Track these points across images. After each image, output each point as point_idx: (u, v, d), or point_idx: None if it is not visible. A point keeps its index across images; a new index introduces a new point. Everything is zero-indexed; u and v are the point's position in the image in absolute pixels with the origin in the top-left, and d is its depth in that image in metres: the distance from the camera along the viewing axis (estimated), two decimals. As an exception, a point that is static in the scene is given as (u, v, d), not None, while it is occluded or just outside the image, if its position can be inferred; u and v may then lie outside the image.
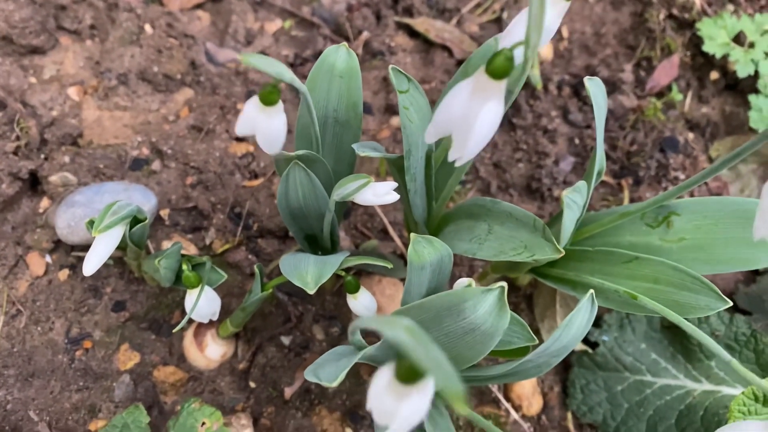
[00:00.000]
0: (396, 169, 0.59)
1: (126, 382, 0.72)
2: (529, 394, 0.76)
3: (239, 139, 0.87)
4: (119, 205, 0.57)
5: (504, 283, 0.46)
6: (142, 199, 0.76)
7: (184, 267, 0.61)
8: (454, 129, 0.40)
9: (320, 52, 0.92)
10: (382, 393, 0.33)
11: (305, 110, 0.54)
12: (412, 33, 0.95)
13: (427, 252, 0.51)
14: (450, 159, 0.41)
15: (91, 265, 0.54)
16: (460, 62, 0.92)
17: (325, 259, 0.55)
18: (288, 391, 0.71)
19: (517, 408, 0.75)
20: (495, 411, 0.75)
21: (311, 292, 0.51)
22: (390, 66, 0.53)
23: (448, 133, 0.40)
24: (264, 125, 0.47)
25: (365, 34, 0.94)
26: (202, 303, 0.62)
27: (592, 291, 0.49)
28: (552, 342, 0.51)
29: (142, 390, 0.72)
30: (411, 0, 0.96)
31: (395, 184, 0.51)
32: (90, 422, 0.70)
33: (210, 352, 0.73)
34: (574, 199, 0.51)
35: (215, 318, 0.66)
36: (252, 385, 0.73)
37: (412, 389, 0.32)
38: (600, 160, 0.58)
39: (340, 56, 0.57)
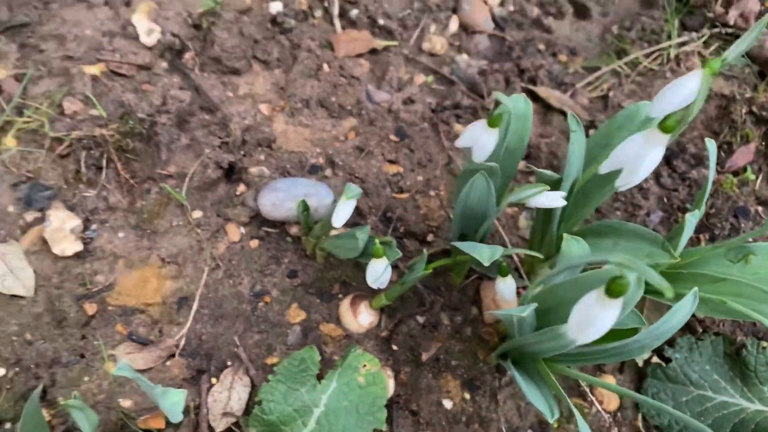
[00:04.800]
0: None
1: (297, 331, 0.91)
2: (609, 392, 0.93)
3: (391, 161, 1.09)
4: (349, 187, 0.78)
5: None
6: (325, 194, 0.97)
7: (376, 240, 0.81)
8: (626, 164, 0.61)
9: (458, 104, 1.15)
10: (591, 305, 0.52)
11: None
12: (535, 97, 1.17)
13: (573, 248, 0.71)
14: (617, 185, 0.61)
15: (340, 219, 0.75)
16: (572, 125, 1.14)
17: (492, 246, 0.75)
18: (424, 356, 0.90)
19: (599, 402, 0.93)
20: (581, 402, 0.93)
21: (486, 264, 0.71)
22: (569, 113, 0.74)
23: (620, 167, 0.61)
24: (483, 140, 0.68)
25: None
26: (382, 270, 0.82)
27: (696, 288, 0.68)
28: (659, 325, 0.69)
29: (310, 338, 0.91)
30: (535, 72, 1.19)
31: (565, 193, 0.71)
32: (267, 357, 0.89)
33: (361, 318, 0.93)
34: (691, 219, 0.71)
35: (383, 286, 0.86)
36: (394, 347, 0.92)
37: (615, 302, 0.51)
38: (704, 198, 0.78)
39: (519, 103, 0.78)
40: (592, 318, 0.52)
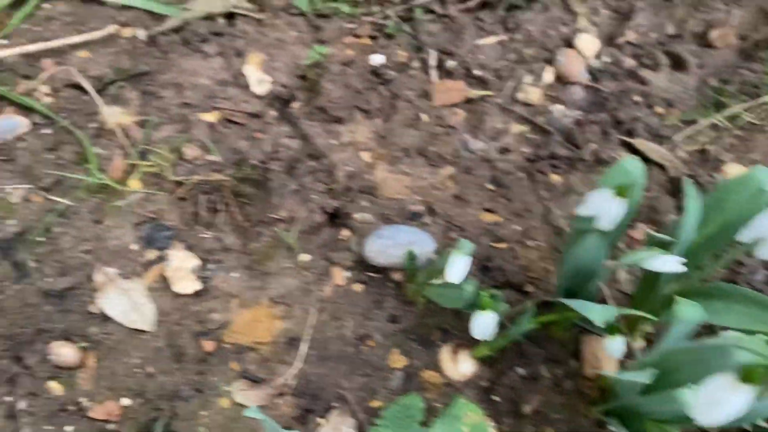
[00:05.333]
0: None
1: (399, 376, 0.94)
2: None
3: (488, 210, 1.11)
4: (462, 242, 0.81)
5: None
6: (427, 242, 1.00)
7: (484, 294, 0.84)
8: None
9: (554, 154, 1.17)
10: (720, 388, 0.52)
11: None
12: (632, 150, 1.18)
13: (689, 312, 0.71)
14: (757, 254, 0.62)
15: (457, 275, 0.78)
16: (672, 179, 1.14)
17: (605, 306, 0.76)
18: (525, 408, 0.91)
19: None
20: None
21: (600, 324, 0.72)
22: (685, 180, 0.75)
23: (762, 236, 0.62)
24: (610, 209, 0.70)
25: (593, 145, 1.18)
26: (489, 322, 0.84)
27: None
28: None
29: (411, 384, 0.93)
30: (632, 124, 1.20)
31: (684, 259, 0.72)
32: (370, 401, 0.92)
33: (462, 367, 0.95)
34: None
35: (489, 338, 0.88)
36: (494, 398, 0.93)
37: (749, 387, 0.51)
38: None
39: (632, 166, 0.79)
40: (722, 402, 0.52)
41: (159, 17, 1.36)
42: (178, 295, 0.98)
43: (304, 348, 0.95)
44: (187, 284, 0.98)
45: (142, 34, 1.37)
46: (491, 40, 1.34)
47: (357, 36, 1.37)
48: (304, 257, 1.03)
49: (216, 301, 0.99)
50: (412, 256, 0.93)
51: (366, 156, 1.17)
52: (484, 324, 0.83)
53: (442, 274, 0.81)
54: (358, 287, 1.01)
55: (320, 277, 1.02)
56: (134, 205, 1.07)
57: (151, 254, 1.03)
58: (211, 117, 1.19)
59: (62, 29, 1.38)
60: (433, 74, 1.30)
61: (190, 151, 1.12)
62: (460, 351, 0.95)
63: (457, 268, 0.78)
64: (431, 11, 1.39)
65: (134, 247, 1.04)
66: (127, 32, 1.39)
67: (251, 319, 0.97)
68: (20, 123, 1.15)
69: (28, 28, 1.38)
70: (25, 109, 1.19)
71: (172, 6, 1.37)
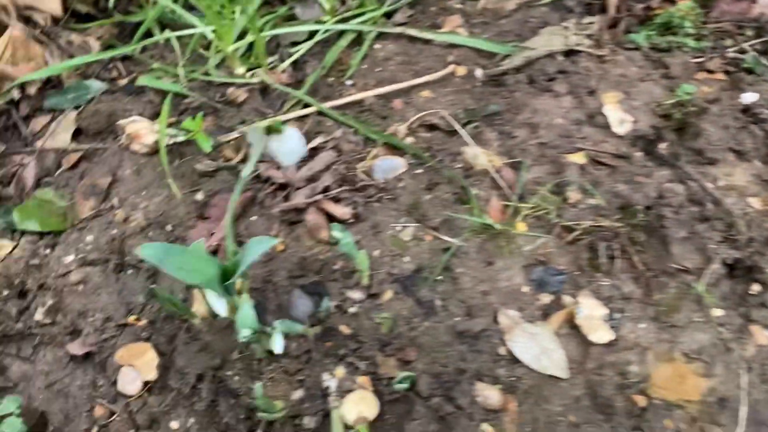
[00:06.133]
0: None
1: None
2: None
3: None
4: None
5: None
6: None
7: None
8: None
9: None
10: None
11: None
12: None
13: None
14: None
15: None
16: None
17: None
18: None
19: None
20: None
21: None
22: None
23: None
24: None
25: None
26: None
27: None
28: None
29: None
30: None
31: None
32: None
33: None
34: None
35: None
36: None
37: None
38: None
39: None
40: None
41: (487, 55, 1.39)
42: (589, 344, 0.97)
43: (743, 412, 0.89)
44: (602, 334, 0.96)
45: (479, 73, 1.41)
46: None
47: (710, 71, 1.30)
48: (717, 312, 0.98)
49: (630, 352, 0.96)
50: None
51: (755, 202, 1.09)
52: None
53: None
54: (786, 348, 0.94)
55: (738, 334, 0.96)
56: (522, 248, 1.08)
57: (545, 298, 1.03)
58: (578, 158, 1.18)
59: (398, 68, 1.46)
60: (805, 111, 1.20)
61: (572, 194, 1.11)
62: None
63: None
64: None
65: (525, 289, 1.05)
66: (461, 71, 1.44)
67: (672, 374, 0.93)
68: (399, 163, 1.21)
69: (367, 68, 1.47)
70: (394, 149, 1.25)
71: (504, 44, 1.39)
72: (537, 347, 0.98)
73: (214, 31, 1.39)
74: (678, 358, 0.95)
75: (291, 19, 1.63)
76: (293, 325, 0.99)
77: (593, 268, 1.04)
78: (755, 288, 1.00)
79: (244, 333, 0.89)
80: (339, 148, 1.22)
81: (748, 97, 1.20)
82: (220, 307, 0.98)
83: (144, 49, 1.57)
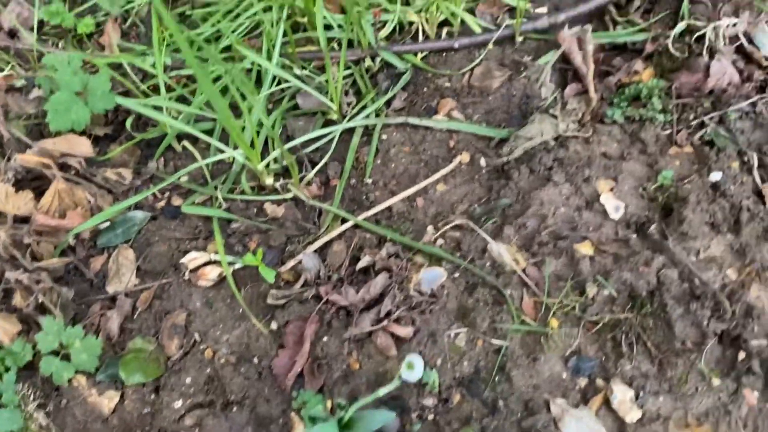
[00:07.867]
0: None
1: (826, 482, 1.18)
2: None
3: None
4: None
5: None
6: (831, 367, 1.21)
7: None
8: None
9: None
10: None
11: None
12: None
13: None
14: None
15: None
16: None
17: None
18: None
19: None
20: None
21: None
22: None
23: None
24: None
25: None
26: None
27: None
28: None
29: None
30: None
31: None
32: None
33: None
34: None
35: None
36: None
37: None
38: None
39: None
40: None
41: (485, 138, 1.59)
42: (623, 423, 1.25)
43: (745, 465, 1.20)
44: (633, 414, 1.24)
45: (483, 162, 1.60)
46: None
47: (679, 146, 1.54)
48: (715, 380, 1.27)
49: (655, 423, 1.24)
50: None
51: (732, 273, 1.37)
52: None
53: None
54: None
55: (733, 397, 1.26)
56: (558, 342, 1.32)
57: (582, 382, 1.30)
58: (585, 249, 1.41)
59: (408, 160, 1.64)
60: (757, 176, 1.47)
61: (589, 290, 1.36)
62: None
63: None
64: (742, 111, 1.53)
65: (565, 375, 1.30)
66: (465, 158, 1.63)
67: (690, 439, 1.23)
68: (439, 273, 1.42)
69: (381, 164, 1.64)
70: (428, 256, 1.45)
71: (500, 129, 1.59)
72: (586, 429, 1.25)
73: (247, 158, 1.50)
74: (692, 422, 1.24)
75: (294, 108, 1.75)
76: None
77: (617, 355, 1.30)
78: (741, 356, 1.29)
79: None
80: (388, 267, 1.41)
81: (715, 176, 1.45)
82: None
83: (164, 161, 1.67)
